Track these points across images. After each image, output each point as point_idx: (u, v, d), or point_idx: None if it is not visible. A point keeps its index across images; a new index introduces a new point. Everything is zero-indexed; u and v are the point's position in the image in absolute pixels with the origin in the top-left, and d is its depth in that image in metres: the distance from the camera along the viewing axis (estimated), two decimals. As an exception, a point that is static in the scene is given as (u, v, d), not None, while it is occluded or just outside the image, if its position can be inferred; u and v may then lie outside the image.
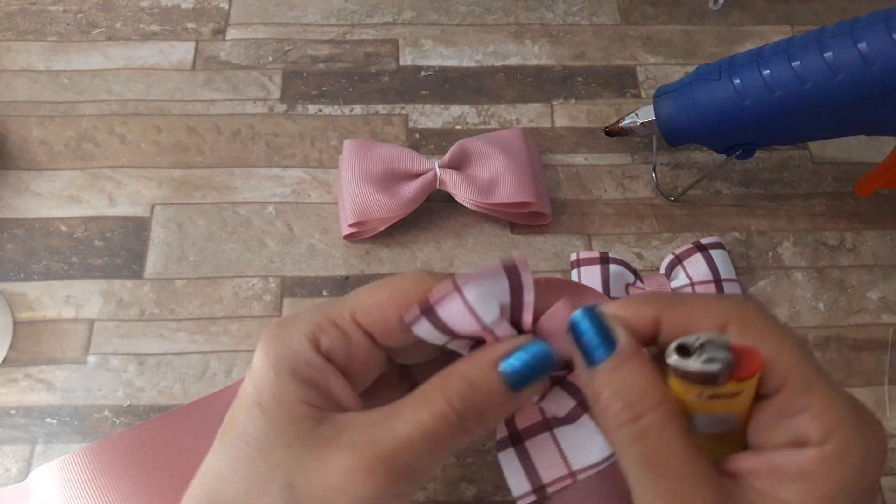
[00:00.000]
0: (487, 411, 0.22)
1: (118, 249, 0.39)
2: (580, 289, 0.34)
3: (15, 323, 0.37)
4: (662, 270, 0.39)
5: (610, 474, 0.29)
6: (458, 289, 0.22)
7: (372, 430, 0.21)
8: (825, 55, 0.33)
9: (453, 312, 0.22)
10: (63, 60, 0.45)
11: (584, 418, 0.23)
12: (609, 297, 0.38)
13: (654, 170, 0.43)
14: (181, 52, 0.46)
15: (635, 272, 0.38)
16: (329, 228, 0.41)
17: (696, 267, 0.39)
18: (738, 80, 0.36)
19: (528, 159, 0.40)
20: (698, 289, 0.38)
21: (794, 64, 0.34)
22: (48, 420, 0.35)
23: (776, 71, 0.34)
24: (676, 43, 0.48)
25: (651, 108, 0.40)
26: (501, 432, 0.24)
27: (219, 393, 0.34)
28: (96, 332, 0.37)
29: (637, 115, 0.41)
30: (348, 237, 0.40)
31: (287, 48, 0.47)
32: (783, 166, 0.44)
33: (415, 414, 0.21)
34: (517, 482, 0.23)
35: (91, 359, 0.37)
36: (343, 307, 0.23)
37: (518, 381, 0.21)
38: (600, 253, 0.39)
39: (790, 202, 0.43)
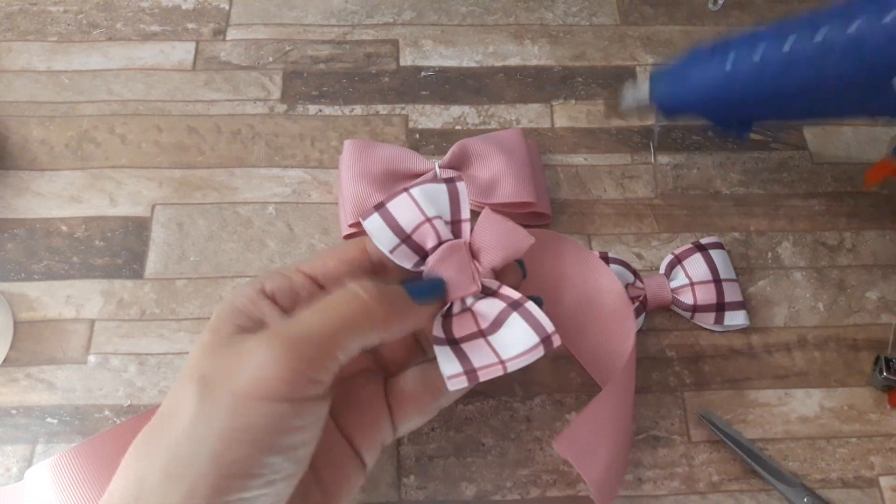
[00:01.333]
0: (391, 306, 0.24)
1: (119, 249, 0.40)
2: (561, 241, 0.36)
3: (15, 323, 0.37)
4: (662, 270, 0.40)
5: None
6: (406, 189, 0.27)
7: (280, 325, 0.24)
8: (816, 36, 0.33)
9: (400, 206, 0.27)
10: (63, 60, 0.45)
11: (513, 317, 0.26)
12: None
13: (654, 167, 0.43)
14: (181, 52, 0.46)
15: (635, 272, 0.39)
16: (329, 228, 0.41)
17: (696, 267, 0.39)
18: (730, 59, 0.36)
19: (528, 159, 0.41)
20: (698, 289, 0.38)
21: (785, 44, 0.34)
22: (49, 420, 0.35)
23: (768, 50, 0.35)
24: (676, 43, 0.48)
25: (646, 85, 0.40)
26: (440, 334, 0.26)
27: None
28: (97, 332, 0.37)
29: (634, 89, 0.41)
30: (348, 237, 0.40)
31: (287, 48, 0.47)
32: (783, 166, 0.44)
33: (314, 303, 0.24)
34: (449, 365, 0.25)
35: (91, 359, 0.37)
36: (289, 265, 0.28)
37: (415, 293, 0.25)
38: (600, 253, 0.39)
39: (790, 202, 0.43)
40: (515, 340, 0.25)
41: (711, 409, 0.37)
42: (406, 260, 0.27)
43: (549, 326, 0.25)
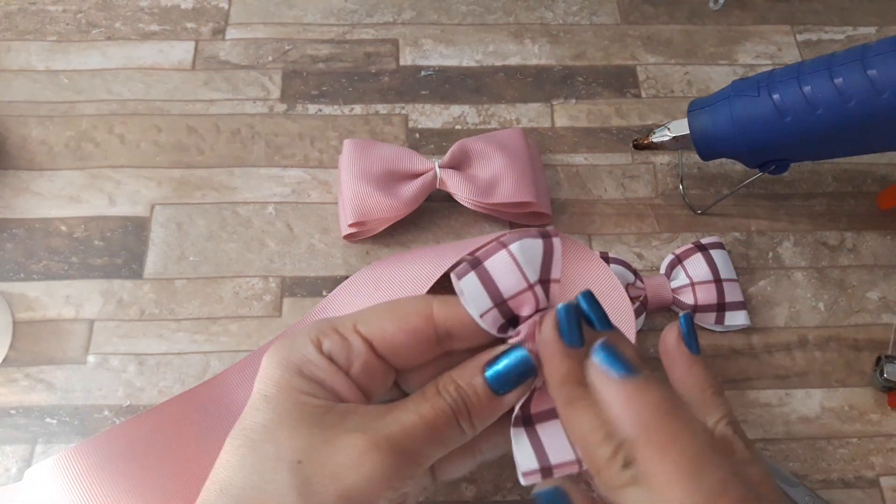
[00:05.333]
0: (475, 411, 0.24)
1: (118, 249, 0.39)
2: (585, 254, 0.34)
3: (15, 323, 0.37)
4: (662, 270, 0.39)
5: None
6: (502, 244, 0.24)
7: (378, 418, 0.23)
8: (869, 73, 0.33)
9: (500, 266, 0.23)
10: (62, 60, 0.45)
11: None
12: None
13: (682, 183, 0.43)
14: (181, 51, 0.46)
15: (635, 272, 0.38)
16: (329, 228, 0.41)
17: (697, 267, 0.39)
18: (777, 96, 0.35)
19: (528, 159, 0.40)
20: (698, 288, 0.38)
21: (836, 81, 0.34)
22: (48, 420, 0.35)
23: (818, 88, 0.34)
24: (676, 43, 0.48)
25: (683, 122, 0.39)
26: (515, 411, 0.25)
27: (209, 381, 0.34)
28: (96, 332, 0.37)
29: (668, 129, 0.39)
30: (348, 237, 0.40)
31: (287, 48, 0.46)
32: (783, 166, 0.44)
33: (417, 406, 0.23)
34: (525, 458, 0.24)
35: (91, 359, 0.37)
36: (347, 318, 0.25)
37: (500, 386, 0.24)
38: (600, 253, 0.39)
39: (790, 202, 0.43)
40: None
41: (712, 409, 0.37)
42: (492, 325, 0.24)
43: None
